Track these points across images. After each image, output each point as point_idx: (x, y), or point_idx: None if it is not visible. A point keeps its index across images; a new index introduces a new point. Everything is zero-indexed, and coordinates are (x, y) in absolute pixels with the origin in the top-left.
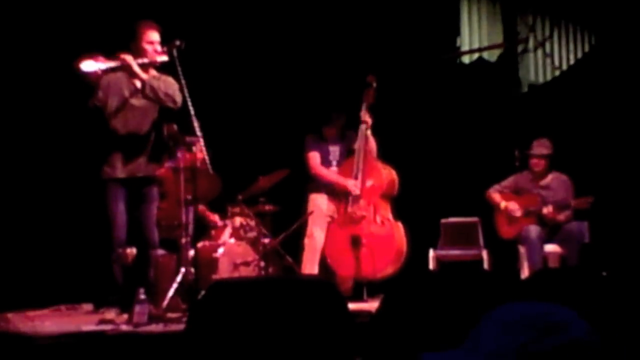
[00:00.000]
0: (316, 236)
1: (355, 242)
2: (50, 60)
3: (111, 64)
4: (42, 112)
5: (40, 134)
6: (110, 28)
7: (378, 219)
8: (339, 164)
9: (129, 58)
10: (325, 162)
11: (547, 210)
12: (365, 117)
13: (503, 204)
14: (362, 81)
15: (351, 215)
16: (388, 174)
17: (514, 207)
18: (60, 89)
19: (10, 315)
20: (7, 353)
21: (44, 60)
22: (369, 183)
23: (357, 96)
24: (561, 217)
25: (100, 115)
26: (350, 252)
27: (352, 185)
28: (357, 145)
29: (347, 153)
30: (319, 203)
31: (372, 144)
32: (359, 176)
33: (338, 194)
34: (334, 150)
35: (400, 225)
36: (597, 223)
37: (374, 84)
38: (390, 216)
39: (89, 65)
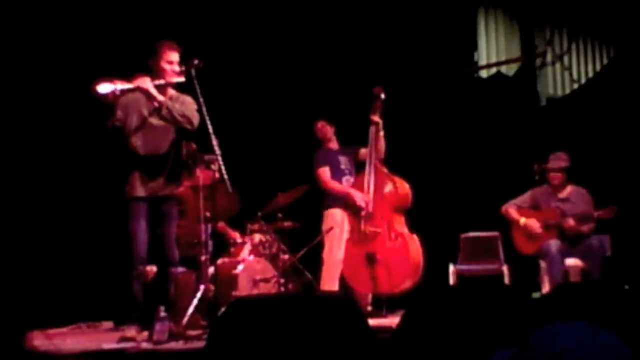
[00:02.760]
0: (335, 252)
1: (371, 259)
2: (72, 81)
3: (128, 86)
4: (65, 132)
5: (63, 153)
6: (129, 48)
7: (393, 235)
8: (351, 173)
9: (146, 82)
10: (339, 173)
11: (569, 223)
12: (375, 118)
13: (523, 221)
14: (370, 94)
15: (365, 232)
16: (401, 187)
17: (535, 225)
18: (82, 110)
19: (31, 333)
20: None
21: (66, 80)
22: (381, 198)
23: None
24: (585, 228)
25: (120, 136)
26: (366, 269)
27: (360, 198)
28: (368, 149)
29: (356, 163)
30: (337, 219)
31: (382, 145)
32: (371, 192)
33: (353, 209)
34: (345, 161)
35: (415, 238)
36: (619, 237)
37: (382, 96)
38: (406, 230)
39: (105, 88)
